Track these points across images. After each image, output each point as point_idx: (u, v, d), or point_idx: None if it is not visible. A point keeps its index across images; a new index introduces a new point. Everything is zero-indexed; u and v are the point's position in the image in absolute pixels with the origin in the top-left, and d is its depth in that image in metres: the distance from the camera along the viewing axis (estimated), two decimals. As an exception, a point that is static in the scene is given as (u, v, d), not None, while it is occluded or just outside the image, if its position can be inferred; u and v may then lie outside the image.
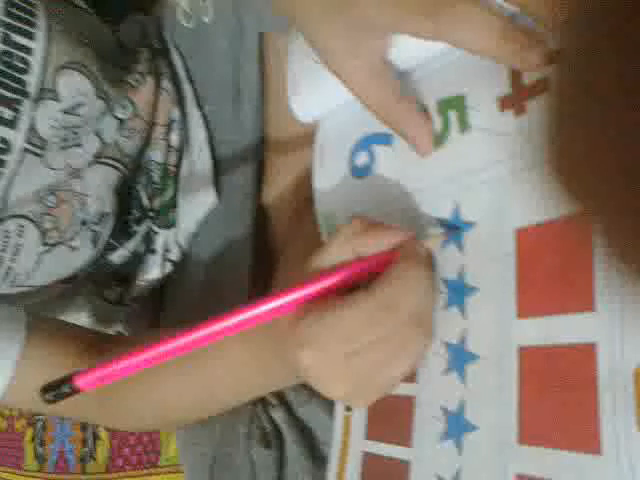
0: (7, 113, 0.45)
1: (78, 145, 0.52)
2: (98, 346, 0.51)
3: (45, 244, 0.51)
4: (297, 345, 0.34)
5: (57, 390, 0.35)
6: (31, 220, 0.50)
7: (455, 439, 0.33)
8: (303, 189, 0.48)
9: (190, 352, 0.35)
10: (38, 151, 0.48)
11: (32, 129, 0.47)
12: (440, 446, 0.34)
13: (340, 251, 0.35)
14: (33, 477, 1.25)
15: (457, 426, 0.33)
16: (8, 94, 0.45)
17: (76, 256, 0.55)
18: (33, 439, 1.28)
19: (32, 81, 0.46)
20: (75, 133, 0.51)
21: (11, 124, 0.46)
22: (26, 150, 0.47)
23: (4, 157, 0.46)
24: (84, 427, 1.15)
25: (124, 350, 0.35)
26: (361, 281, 0.35)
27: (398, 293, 0.33)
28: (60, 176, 0.51)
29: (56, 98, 0.48)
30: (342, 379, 0.34)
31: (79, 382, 0.35)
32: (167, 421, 0.57)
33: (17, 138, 0.46)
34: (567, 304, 0.29)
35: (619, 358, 0.26)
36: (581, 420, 0.27)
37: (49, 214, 0.51)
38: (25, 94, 0.46)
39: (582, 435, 0.27)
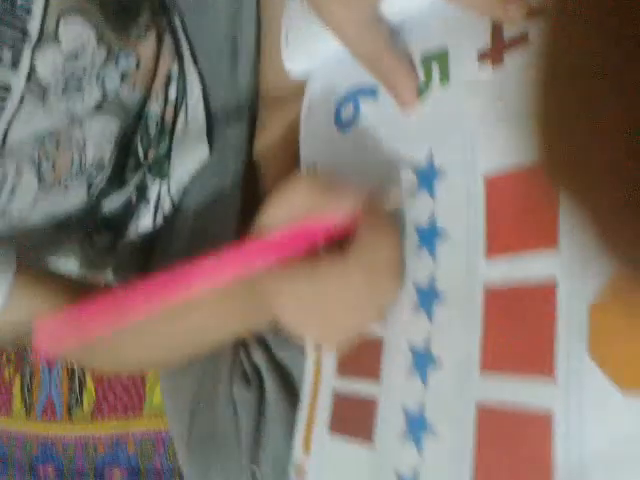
0: (8, 56, 0.46)
1: (80, 93, 0.52)
2: (82, 297, 0.52)
3: (42, 187, 0.52)
4: (273, 293, 0.36)
5: None
6: (29, 162, 0.51)
7: (420, 372, 0.35)
8: (293, 145, 0.49)
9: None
10: (38, 95, 0.49)
11: (32, 73, 0.47)
12: (407, 380, 0.36)
13: (301, 205, 0.36)
14: (22, 423, 1.28)
15: (423, 360, 0.35)
16: (9, 37, 0.45)
17: (69, 200, 0.56)
18: (21, 386, 1.30)
19: (34, 25, 0.46)
20: (77, 80, 0.51)
21: (12, 67, 0.46)
22: (26, 93, 0.48)
23: (4, 99, 0.46)
24: (71, 375, 1.17)
25: None
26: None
27: (374, 257, 0.35)
28: (60, 122, 0.52)
29: (57, 42, 0.48)
30: (314, 325, 0.37)
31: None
32: (147, 364, 0.59)
33: (17, 81, 0.47)
34: (532, 243, 0.31)
35: (578, 292, 0.28)
36: (539, 349, 0.29)
37: (47, 158, 0.52)
38: (26, 37, 0.46)
39: (538, 362, 0.29)
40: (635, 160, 0.26)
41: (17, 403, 1.30)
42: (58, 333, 0.34)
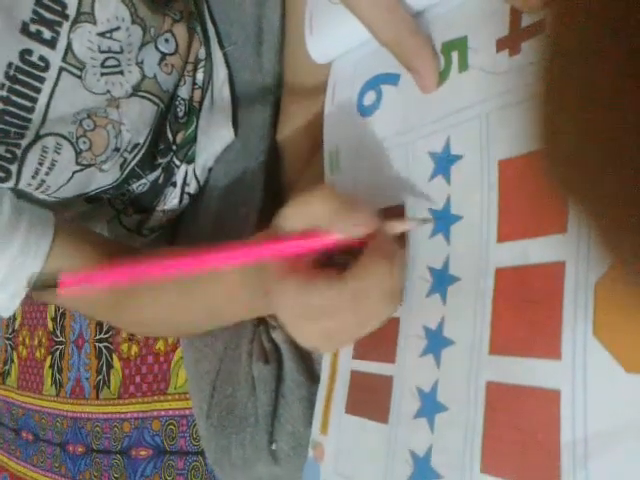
0: (47, 34, 0.48)
1: (120, 73, 0.54)
2: (118, 255, 0.54)
3: (79, 163, 0.54)
4: (276, 304, 0.38)
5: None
6: (68, 140, 0.53)
7: (434, 354, 0.36)
8: (316, 130, 0.50)
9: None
10: (76, 72, 0.51)
11: (69, 49, 0.50)
12: (420, 361, 0.37)
13: (317, 217, 0.38)
14: (52, 402, 1.31)
15: (436, 342, 0.36)
16: (50, 16, 0.48)
17: (103, 177, 0.58)
18: (52, 366, 1.34)
19: (72, 4, 0.49)
20: (115, 59, 0.53)
21: (50, 44, 0.49)
22: (63, 69, 0.50)
23: (43, 74, 0.49)
24: (99, 356, 1.20)
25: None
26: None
27: (367, 285, 0.36)
28: (99, 101, 0.54)
29: (93, 21, 0.50)
30: (313, 336, 0.39)
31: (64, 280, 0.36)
32: (175, 331, 0.63)
33: (55, 57, 0.49)
34: (542, 227, 0.31)
35: (584, 273, 0.28)
36: (546, 331, 0.30)
37: (85, 136, 0.54)
38: (65, 17, 0.49)
39: (545, 343, 0.29)
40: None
41: (47, 383, 1.34)
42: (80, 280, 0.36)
